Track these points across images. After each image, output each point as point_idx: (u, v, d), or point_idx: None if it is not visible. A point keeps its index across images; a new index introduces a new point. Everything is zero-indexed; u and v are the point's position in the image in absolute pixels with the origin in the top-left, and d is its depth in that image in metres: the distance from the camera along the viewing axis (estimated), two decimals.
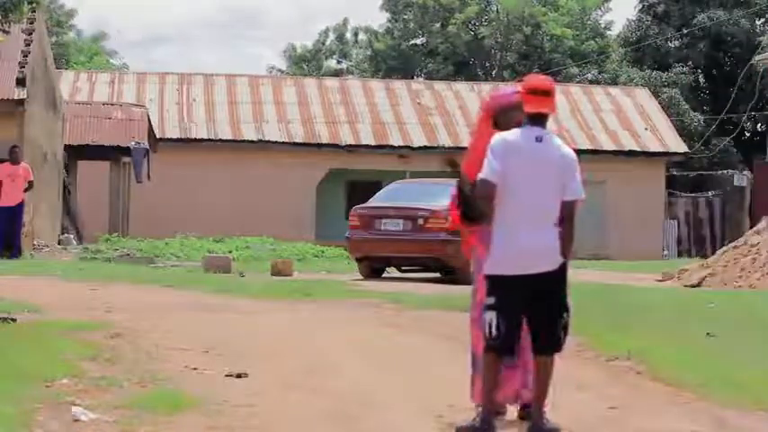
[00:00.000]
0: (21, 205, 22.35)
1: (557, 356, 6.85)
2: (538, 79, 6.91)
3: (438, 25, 56.76)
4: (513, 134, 6.79)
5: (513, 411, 7.30)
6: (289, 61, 62.89)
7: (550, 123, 6.86)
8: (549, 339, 6.75)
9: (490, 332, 6.71)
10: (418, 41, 58.48)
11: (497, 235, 6.73)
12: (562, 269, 6.74)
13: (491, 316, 6.71)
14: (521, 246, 6.67)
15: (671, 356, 9.46)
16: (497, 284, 6.71)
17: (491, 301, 6.73)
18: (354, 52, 63.21)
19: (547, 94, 6.76)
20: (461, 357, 9.40)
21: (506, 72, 55.14)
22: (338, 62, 63.13)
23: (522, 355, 7.01)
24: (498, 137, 6.81)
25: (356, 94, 41.63)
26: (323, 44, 62.93)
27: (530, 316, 6.74)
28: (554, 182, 6.72)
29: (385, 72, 56.09)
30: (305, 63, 61.84)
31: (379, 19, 59.44)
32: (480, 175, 6.71)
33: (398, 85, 43.97)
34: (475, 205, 6.90)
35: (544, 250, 6.68)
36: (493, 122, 7.28)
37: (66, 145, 30.47)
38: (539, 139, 6.74)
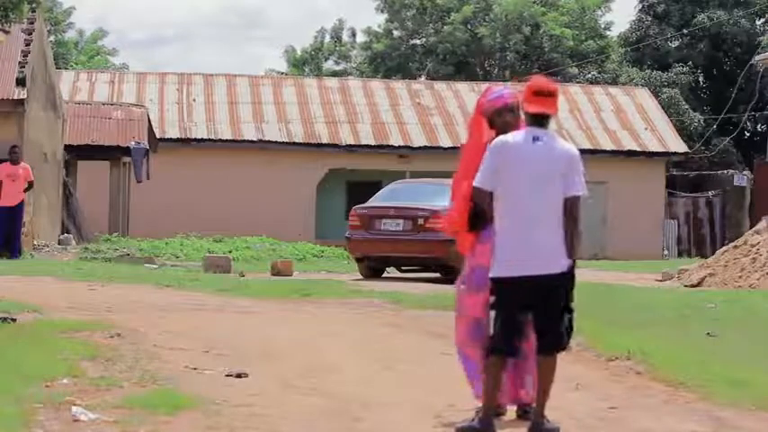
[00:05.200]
0: (21, 205, 22.35)
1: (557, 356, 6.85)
2: (542, 81, 6.95)
3: (437, 25, 56.74)
4: (512, 136, 6.84)
5: (512, 411, 7.30)
6: (288, 64, 62.83)
7: (550, 123, 6.89)
8: (553, 339, 6.76)
9: (491, 332, 6.73)
10: (418, 42, 58.45)
11: (501, 237, 6.73)
12: (569, 269, 6.74)
13: (492, 316, 6.74)
14: (526, 247, 6.67)
15: (671, 356, 9.46)
16: (500, 285, 6.72)
17: (493, 300, 6.75)
18: (354, 53, 63.16)
19: (551, 95, 6.81)
20: None
21: (506, 72, 55.12)
22: (336, 63, 63.08)
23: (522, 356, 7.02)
24: (497, 140, 6.86)
25: (356, 94, 41.63)
26: (321, 44, 62.88)
27: (534, 316, 6.74)
28: (555, 181, 6.73)
29: (384, 73, 56.08)
30: (305, 65, 61.76)
31: (378, 20, 59.22)
32: (474, 183, 6.78)
33: (398, 85, 43.96)
34: (482, 213, 6.97)
35: (549, 252, 6.68)
36: (488, 124, 7.35)
37: (66, 145, 30.47)
38: (536, 139, 6.77)
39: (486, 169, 6.76)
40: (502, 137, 6.90)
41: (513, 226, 6.70)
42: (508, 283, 6.68)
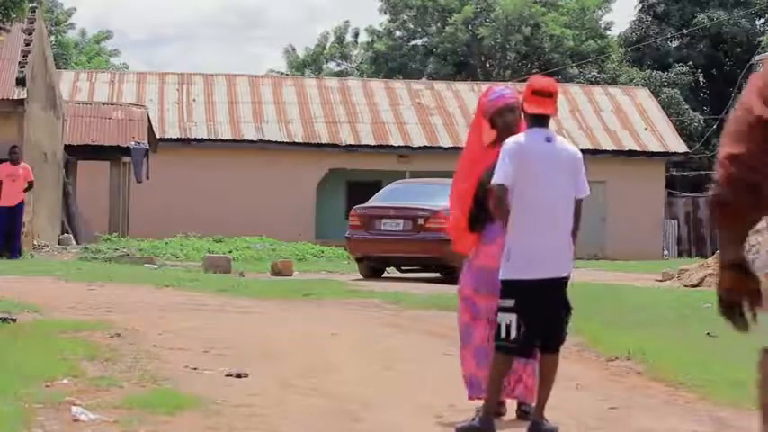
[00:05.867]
0: (21, 205, 22.37)
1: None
2: (543, 81, 6.94)
3: (438, 25, 56.78)
4: (523, 137, 6.80)
5: (512, 411, 7.30)
6: (288, 66, 62.81)
7: (551, 123, 6.89)
8: (558, 337, 6.79)
9: (507, 334, 6.69)
10: (419, 42, 58.49)
11: (515, 239, 6.71)
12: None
13: (509, 318, 6.68)
14: (540, 250, 6.66)
15: (671, 356, 9.46)
16: (517, 288, 6.70)
17: (510, 303, 6.69)
18: (354, 53, 63.16)
19: (550, 95, 6.80)
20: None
21: (507, 72, 55.14)
22: (338, 65, 63.05)
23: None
24: (512, 141, 6.81)
25: (356, 94, 41.62)
26: (324, 48, 62.85)
27: (541, 316, 6.73)
28: (566, 182, 6.74)
29: (386, 73, 56.10)
30: (306, 67, 61.70)
31: (380, 20, 59.37)
32: (495, 180, 6.72)
33: (398, 85, 43.95)
34: (487, 211, 6.95)
35: (560, 255, 6.69)
36: (490, 124, 7.33)
37: (66, 145, 30.48)
38: (549, 140, 6.77)
39: (504, 170, 6.71)
40: (514, 137, 6.85)
41: (527, 227, 6.67)
42: (527, 285, 6.66)
